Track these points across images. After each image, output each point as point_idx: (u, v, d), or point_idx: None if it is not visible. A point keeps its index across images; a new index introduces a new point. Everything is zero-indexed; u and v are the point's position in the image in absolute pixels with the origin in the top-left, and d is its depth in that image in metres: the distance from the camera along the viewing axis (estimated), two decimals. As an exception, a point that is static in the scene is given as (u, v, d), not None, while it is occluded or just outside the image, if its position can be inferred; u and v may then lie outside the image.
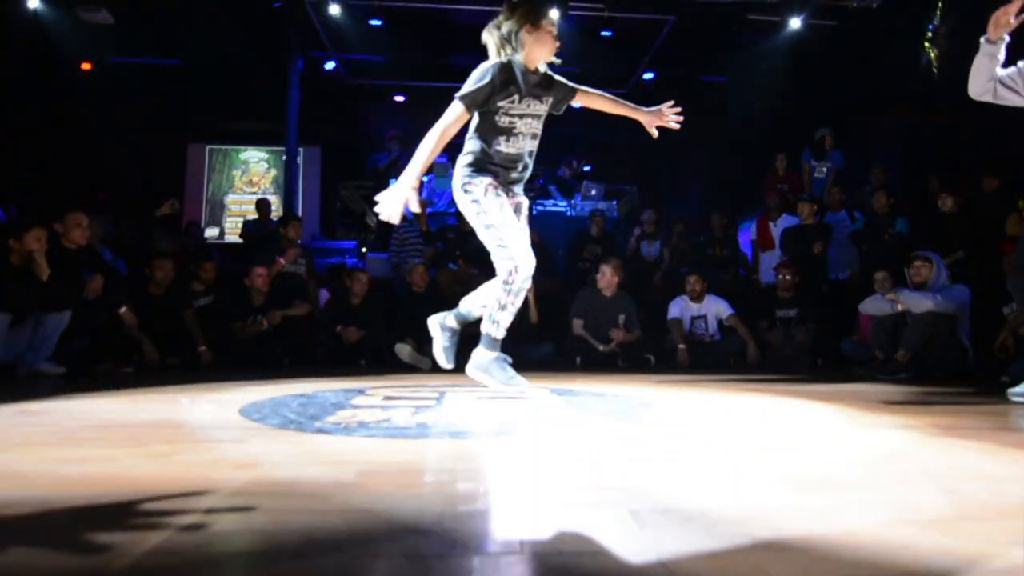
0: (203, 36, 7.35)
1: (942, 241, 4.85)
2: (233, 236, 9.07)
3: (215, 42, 7.45)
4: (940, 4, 6.15)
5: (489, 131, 2.38)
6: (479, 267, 5.82)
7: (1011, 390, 2.54)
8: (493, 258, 2.37)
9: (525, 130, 2.42)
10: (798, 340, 5.00)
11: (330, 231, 9.58)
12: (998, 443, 1.61)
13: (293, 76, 7.52)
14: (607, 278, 5.06)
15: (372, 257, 6.96)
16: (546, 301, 5.43)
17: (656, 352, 5.09)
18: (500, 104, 2.34)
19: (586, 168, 10.71)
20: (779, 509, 0.97)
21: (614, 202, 7.81)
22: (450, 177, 8.59)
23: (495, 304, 2.38)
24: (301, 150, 8.22)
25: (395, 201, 2.19)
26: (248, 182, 10.10)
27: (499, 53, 2.40)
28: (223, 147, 10.03)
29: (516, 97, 2.36)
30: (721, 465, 1.35)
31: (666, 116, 2.67)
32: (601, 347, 4.97)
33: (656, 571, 0.72)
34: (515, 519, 0.92)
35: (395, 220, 2.26)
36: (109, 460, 1.29)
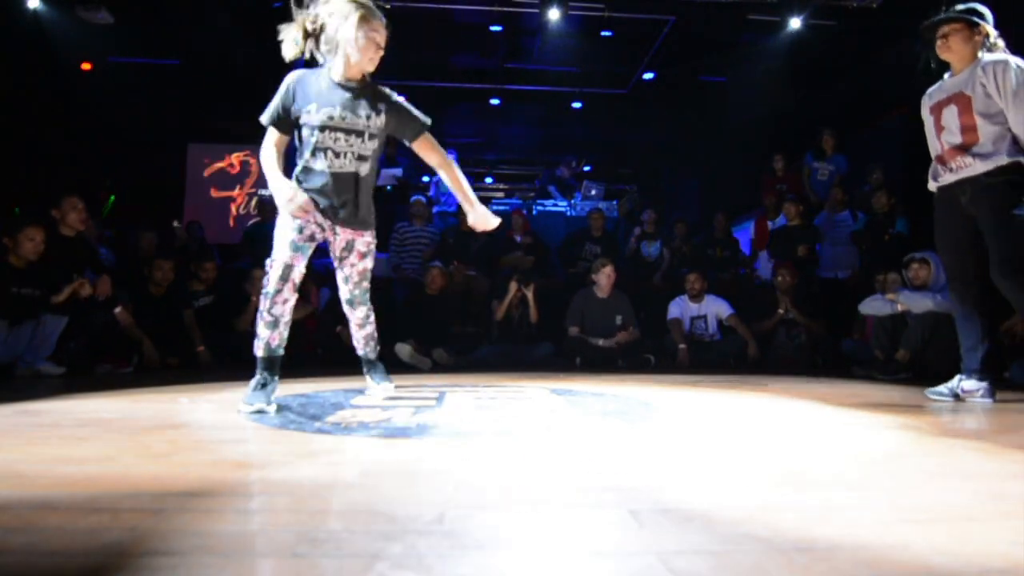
0: (203, 36, 7.35)
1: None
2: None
3: (215, 42, 7.45)
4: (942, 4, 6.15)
5: (300, 145, 2.21)
6: (475, 268, 5.83)
7: (929, 390, 2.66)
8: None
9: (333, 145, 2.15)
10: (798, 340, 5.00)
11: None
12: (998, 443, 1.62)
13: (293, 76, 7.51)
14: (603, 279, 5.06)
15: (372, 257, 6.95)
16: (546, 301, 5.43)
17: (656, 352, 5.09)
18: (299, 113, 2.16)
19: (586, 168, 10.72)
20: (779, 509, 0.97)
21: (614, 202, 7.81)
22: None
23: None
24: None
25: (286, 202, 2.07)
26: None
27: (300, 52, 2.21)
28: (223, 147, 10.04)
29: (312, 107, 2.14)
30: (721, 465, 1.35)
31: (487, 223, 2.36)
32: (601, 341, 4.97)
33: (656, 571, 0.72)
34: (515, 519, 0.92)
35: (297, 212, 2.09)
36: (109, 460, 1.29)
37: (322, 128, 2.15)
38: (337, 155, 2.17)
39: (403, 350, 4.61)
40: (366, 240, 2.37)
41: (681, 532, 0.85)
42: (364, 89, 2.21)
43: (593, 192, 7.76)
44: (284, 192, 2.08)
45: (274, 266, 2.17)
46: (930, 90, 2.70)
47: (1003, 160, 2.39)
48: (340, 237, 2.32)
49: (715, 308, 5.26)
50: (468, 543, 0.80)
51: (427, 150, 2.34)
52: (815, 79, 7.74)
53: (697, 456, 1.46)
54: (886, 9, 6.57)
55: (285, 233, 2.18)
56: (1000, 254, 2.42)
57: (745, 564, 0.74)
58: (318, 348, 5.12)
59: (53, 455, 1.33)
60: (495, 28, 7.57)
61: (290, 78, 2.20)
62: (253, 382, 2.14)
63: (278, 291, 2.16)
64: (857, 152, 6.63)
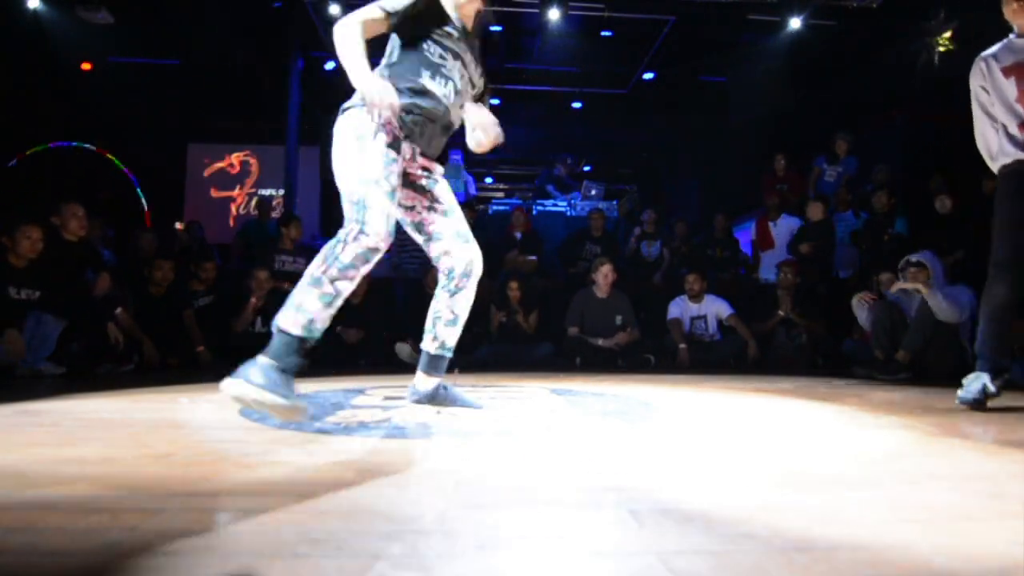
0: (203, 36, 7.35)
1: (941, 241, 4.86)
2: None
3: (215, 42, 7.45)
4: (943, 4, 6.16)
5: (412, 61, 1.94)
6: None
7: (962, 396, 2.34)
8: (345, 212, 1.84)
9: (455, 75, 1.99)
10: (798, 340, 5.00)
11: (330, 231, 9.59)
12: (998, 443, 1.61)
13: (293, 76, 7.52)
14: (601, 279, 5.06)
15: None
16: (546, 301, 5.43)
17: (656, 352, 5.09)
18: (431, 28, 1.94)
19: (586, 168, 10.71)
20: (779, 509, 0.97)
21: (614, 202, 7.82)
22: (461, 177, 8.56)
23: (306, 281, 1.73)
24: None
25: (379, 98, 1.74)
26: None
27: None
28: (223, 147, 10.05)
29: (450, 28, 1.97)
30: (721, 465, 1.35)
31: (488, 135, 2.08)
32: (600, 341, 4.97)
33: (656, 571, 0.72)
34: (515, 519, 0.92)
35: (389, 114, 1.76)
36: (109, 460, 1.29)
37: (455, 56, 1.99)
38: (448, 84, 1.99)
39: (403, 350, 4.62)
40: (439, 170, 2.12)
41: (681, 532, 0.85)
42: (479, 43, 2.12)
43: (593, 192, 7.75)
44: (377, 84, 1.75)
45: (370, 238, 1.75)
46: (991, 52, 2.42)
47: None
48: (417, 163, 2.01)
49: (715, 308, 5.26)
50: (468, 543, 0.80)
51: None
52: (815, 79, 7.74)
53: (697, 456, 1.46)
54: (886, 9, 6.58)
55: (373, 168, 1.79)
56: None
57: (745, 564, 0.74)
58: (318, 348, 5.12)
59: (53, 455, 1.33)
60: (495, 28, 7.58)
61: None
62: (273, 366, 1.59)
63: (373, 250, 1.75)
64: (856, 152, 6.63)
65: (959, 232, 4.90)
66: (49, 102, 7.63)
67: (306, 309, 1.70)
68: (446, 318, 2.07)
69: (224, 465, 1.27)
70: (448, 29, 1.98)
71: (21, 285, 3.60)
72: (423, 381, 2.09)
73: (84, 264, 4.14)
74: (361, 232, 1.76)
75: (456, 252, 2.08)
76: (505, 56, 8.61)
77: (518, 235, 6.23)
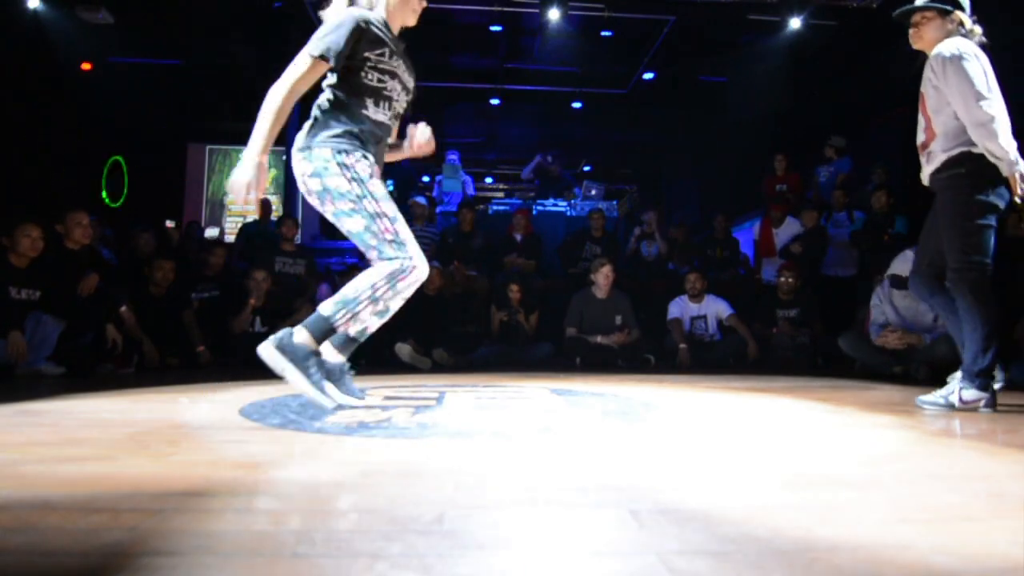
0: (203, 36, 7.36)
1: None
2: (232, 237, 9.11)
3: (215, 42, 7.45)
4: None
5: (355, 93, 2.00)
6: (475, 268, 5.82)
7: (921, 399, 2.37)
8: (373, 256, 1.97)
9: (394, 95, 2.07)
10: (798, 340, 5.00)
11: (330, 231, 9.59)
12: (998, 443, 1.61)
13: (293, 76, 7.51)
14: (601, 279, 5.06)
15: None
16: (546, 301, 5.42)
17: (656, 352, 5.09)
18: (367, 55, 1.97)
19: (586, 168, 10.71)
20: (779, 509, 0.97)
21: (614, 202, 7.82)
22: (459, 177, 8.52)
23: (367, 294, 1.93)
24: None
25: (243, 182, 1.84)
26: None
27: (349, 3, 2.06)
28: (223, 147, 10.05)
29: (386, 52, 2.01)
30: (721, 465, 1.35)
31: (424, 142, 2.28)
32: (600, 338, 4.97)
33: (656, 571, 0.72)
34: (515, 519, 0.92)
35: (245, 201, 1.87)
36: (109, 460, 1.29)
37: (392, 75, 2.04)
38: (391, 106, 2.08)
39: (403, 350, 4.62)
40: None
41: (681, 532, 0.85)
42: (405, 46, 2.14)
43: (593, 192, 7.76)
44: (253, 170, 1.86)
45: (420, 268, 1.96)
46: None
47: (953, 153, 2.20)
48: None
49: (715, 308, 5.26)
50: (468, 543, 0.80)
51: None
52: (815, 79, 7.75)
53: (697, 456, 1.46)
54: (886, 9, 6.57)
55: (379, 189, 1.98)
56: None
57: (745, 564, 0.74)
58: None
59: (53, 455, 1.33)
60: (495, 28, 7.58)
61: (358, 16, 1.96)
62: (319, 376, 1.94)
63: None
64: (857, 152, 6.63)
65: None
66: (49, 102, 7.62)
67: (361, 321, 2.01)
68: (378, 308, 1.99)
69: (224, 465, 1.27)
70: (384, 51, 2.00)
71: (22, 285, 3.60)
72: (333, 354, 2.09)
73: (85, 267, 4.14)
74: (413, 268, 1.98)
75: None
76: (505, 56, 8.61)
77: (518, 237, 6.23)
